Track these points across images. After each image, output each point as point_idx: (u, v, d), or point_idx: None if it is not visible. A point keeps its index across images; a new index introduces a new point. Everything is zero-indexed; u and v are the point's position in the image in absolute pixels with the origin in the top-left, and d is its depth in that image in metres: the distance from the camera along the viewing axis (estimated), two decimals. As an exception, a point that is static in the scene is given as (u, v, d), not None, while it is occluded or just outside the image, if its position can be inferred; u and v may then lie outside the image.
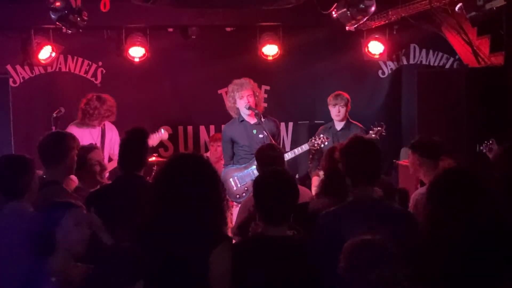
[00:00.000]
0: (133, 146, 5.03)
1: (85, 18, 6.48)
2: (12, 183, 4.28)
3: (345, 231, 3.77)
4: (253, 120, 7.59)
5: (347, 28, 7.27)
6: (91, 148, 5.67)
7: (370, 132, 7.71)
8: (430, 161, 5.40)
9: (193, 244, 3.49)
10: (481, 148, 6.47)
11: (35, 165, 4.48)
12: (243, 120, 7.62)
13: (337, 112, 8.05)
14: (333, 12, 6.91)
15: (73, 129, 7.46)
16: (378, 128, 7.69)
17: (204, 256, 3.47)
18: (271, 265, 3.62)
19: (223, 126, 7.94)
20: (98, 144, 7.53)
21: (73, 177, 5.60)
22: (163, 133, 7.84)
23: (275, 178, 3.87)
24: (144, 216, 3.69)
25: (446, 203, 3.49)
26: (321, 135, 7.69)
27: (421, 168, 5.46)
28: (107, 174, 7.02)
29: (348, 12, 6.60)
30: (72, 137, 5.20)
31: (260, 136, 7.52)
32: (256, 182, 3.94)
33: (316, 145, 7.56)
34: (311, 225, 4.12)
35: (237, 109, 7.62)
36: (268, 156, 5.46)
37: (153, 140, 7.64)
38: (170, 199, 3.56)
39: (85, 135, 7.45)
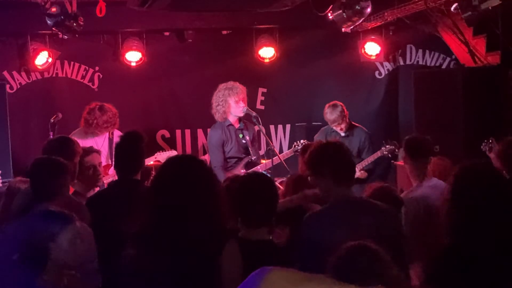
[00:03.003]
0: (127, 150, 5.03)
1: (81, 23, 6.48)
2: (46, 185, 4.28)
3: (329, 231, 3.80)
4: (237, 124, 7.60)
5: (343, 29, 7.29)
6: (88, 151, 5.66)
7: (382, 148, 7.66)
8: (416, 160, 5.36)
9: (202, 245, 3.48)
10: (481, 147, 6.45)
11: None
12: (230, 125, 7.62)
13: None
14: (329, 14, 6.92)
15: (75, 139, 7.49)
16: (392, 146, 7.65)
17: (215, 255, 3.48)
18: (248, 269, 3.61)
19: (209, 130, 7.87)
20: (105, 153, 7.55)
21: None
22: (172, 152, 7.86)
23: (253, 181, 3.88)
24: (145, 221, 3.68)
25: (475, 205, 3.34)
26: (301, 140, 7.67)
27: (407, 166, 5.45)
28: (108, 179, 7.05)
29: (344, 14, 6.60)
30: (77, 143, 5.23)
31: (244, 141, 7.56)
32: (235, 186, 3.95)
33: (299, 150, 7.49)
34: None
35: (226, 113, 7.59)
36: None
37: (162, 157, 7.67)
38: (170, 202, 3.56)
39: (88, 144, 7.45)
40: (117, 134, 7.81)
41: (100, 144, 7.65)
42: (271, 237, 3.79)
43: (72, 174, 5.11)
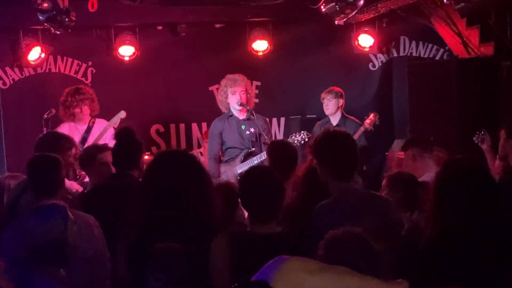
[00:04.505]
0: (122, 145, 5.04)
1: (73, 18, 6.45)
2: (49, 181, 4.29)
3: (332, 227, 3.80)
4: (242, 116, 7.60)
5: (336, 22, 7.26)
6: (103, 148, 5.67)
7: (365, 122, 7.74)
8: (429, 154, 5.52)
9: (191, 237, 3.50)
10: (474, 139, 6.45)
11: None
12: (232, 115, 7.64)
13: (325, 107, 8.15)
14: (322, 7, 6.90)
15: (63, 127, 7.47)
16: (371, 118, 7.72)
17: (204, 248, 3.49)
18: (260, 263, 3.61)
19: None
20: (78, 140, 7.47)
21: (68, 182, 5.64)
22: (120, 113, 7.73)
23: (259, 176, 3.87)
24: (136, 214, 3.69)
25: (455, 196, 3.39)
26: (302, 132, 7.61)
27: (420, 161, 5.52)
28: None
29: (337, 6, 6.59)
30: (68, 139, 5.24)
31: (248, 132, 7.54)
32: (241, 181, 3.94)
33: (296, 142, 7.38)
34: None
35: (228, 104, 7.64)
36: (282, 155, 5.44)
37: (114, 122, 7.57)
38: (161, 196, 3.60)
39: (73, 132, 7.41)
40: (98, 122, 7.76)
41: (83, 132, 7.60)
42: (281, 229, 3.79)
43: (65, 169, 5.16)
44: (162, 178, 3.64)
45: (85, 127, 7.67)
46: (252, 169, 3.99)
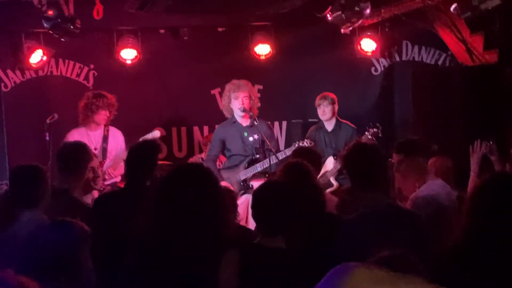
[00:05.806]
0: (143, 156, 4.96)
1: (78, 26, 6.40)
2: (30, 192, 4.24)
3: (360, 242, 3.78)
4: (245, 123, 7.58)
5: (342, 31, 7.24)
6: None
7: (366, 133, 7.66)
8: (413, 160, 5.24)
9: (201, 253, 3.48)
10: (481, 148, 6.31)
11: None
12: (235, 122, 7.62)
13: (322, 113, 8.12)
14: (328, 15, 6.87)
15: (73, 134, 7.45)
16: (374, 129, 7.65)
17: (213, 265, 3.47)
18: (261, 275, 3.59)
19: (216, 126, 7.96)
20: (98, 149, 7.48)
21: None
22: (154, 133, 7.72)
23: (270, 191, 3.88)
24: (147, 228, 3.67)
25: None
26: (306, 140, 7.56)
27: (404, 167, 5.29)
28: (107, 182, 7.02)
29: (343, 15, 6.56)
30: (90, 149, 5.23)
31: (251, 139, 7.51)
32: (253, 193, 3.97)
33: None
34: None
35: (231, 109, 7.62)
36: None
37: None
38: (173, 212, 3.56)
39: (84, 138, 7.36)
40: (112, 131, 7.74)
41: (96, 141, 7.58)
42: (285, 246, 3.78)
43: (81, 180, 5.12)
44: (176, 195, 3.60)
45: (97, 133, 7.64)
46: (266, 184, 4.02)
